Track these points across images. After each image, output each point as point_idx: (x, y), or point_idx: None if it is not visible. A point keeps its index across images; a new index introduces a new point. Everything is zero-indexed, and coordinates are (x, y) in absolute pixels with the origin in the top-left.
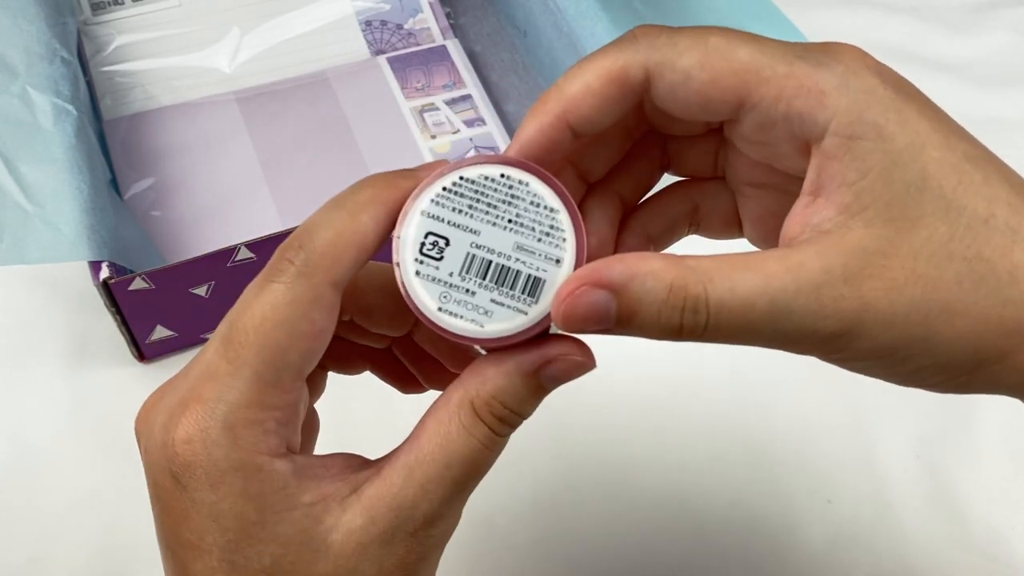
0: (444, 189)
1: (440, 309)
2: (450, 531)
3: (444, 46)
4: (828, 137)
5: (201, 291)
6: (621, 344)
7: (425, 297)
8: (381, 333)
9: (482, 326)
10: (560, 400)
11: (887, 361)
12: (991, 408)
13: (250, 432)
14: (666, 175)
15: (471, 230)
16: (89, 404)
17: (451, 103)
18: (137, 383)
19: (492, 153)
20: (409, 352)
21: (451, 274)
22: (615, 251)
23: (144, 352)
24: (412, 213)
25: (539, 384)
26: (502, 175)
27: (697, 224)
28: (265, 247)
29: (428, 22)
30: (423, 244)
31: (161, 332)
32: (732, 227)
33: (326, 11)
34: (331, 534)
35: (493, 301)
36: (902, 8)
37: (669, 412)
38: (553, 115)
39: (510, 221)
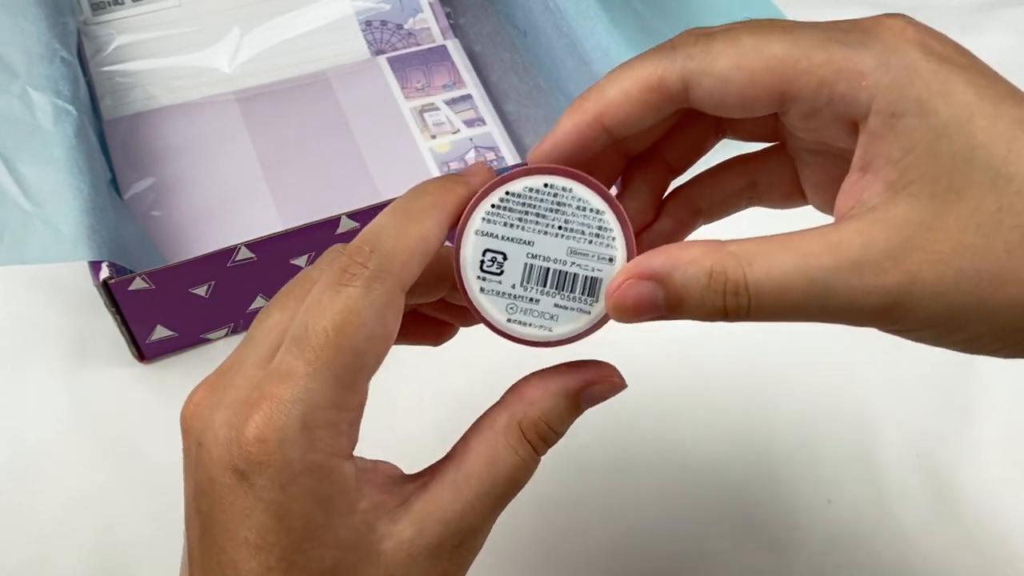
0: (493, 206)
1: (509, 320)
2: (484, 543)
3: (444, 46)
4: (872, 117)
5: (201, 291)
6: (621, 345)
7: (493, 311)
8: (421, 301)
9: (550, 330)
10: None
11: (942, 330)
12: (991, 408)
13: (326, 433)
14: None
15: (525, 241)
16: (89, 404)
17: (451, 103)
18: (137, 383)
19: (534, 165)
20: (441, 303)
21: (513, 286)
22: (656, 219)
23: (144, 352)
24: (467, 233)
25: (578, 404)
26: (546, 184)
27: (757, 197)
28: (265, 247)
29: (428, 22)
30: (482, 262)
31: (161, 332)
32: (795, 197)
33: (326, 11)
34: (383, 543)
35: (556, 305)
36: (902, 8)
37: (669, 412)
38: (591, 115)
39: (560, 228)
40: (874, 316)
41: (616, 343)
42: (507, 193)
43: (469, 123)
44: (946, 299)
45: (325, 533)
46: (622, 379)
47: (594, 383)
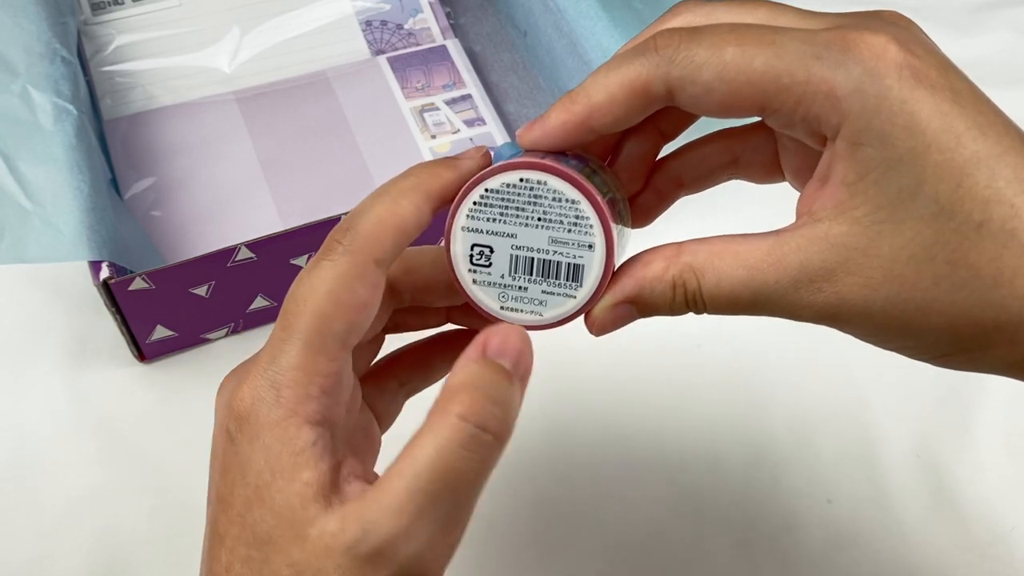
0: (475, 203)
1: (503, 308)
2: (428, 560)
3: (444, 46)
4: (838, 140)
5: (201, 291)
6: (620, 344)
7: (487, 300)
8: (442, 305)
9: (541, 315)
10: (560, 400)
11: (874, 340)
12: (991, 408)
13: (293, 393)
14: None
15: (509, 234)
16: (89, 404)
17: (451, 103)
18: (137, 383)
19: (508, 161)
20: (471, 314)
21: (503, 276)
22: (644, 189)
23: (144, 352)
24: (454, 230)
25: (487, 358)
26: (521, 179)
27: (739, 172)
28: (265, 247)
29: (428, 22)
30: (471, 256)
31: (161, 332)
32: (775, 174)
33: (326, 11)
34: (310, 526)
35: (544, 292)
36: (902, 8)
37: (669, 412)
38: (579, 117)
39: (539, 219)
40: (815, 322)
41: (615, 344)
42: (486, 190)
43: (469, 123)
44: (873, 320)
45: (267, 495)
46: (515, 327)
47: (488, 341)
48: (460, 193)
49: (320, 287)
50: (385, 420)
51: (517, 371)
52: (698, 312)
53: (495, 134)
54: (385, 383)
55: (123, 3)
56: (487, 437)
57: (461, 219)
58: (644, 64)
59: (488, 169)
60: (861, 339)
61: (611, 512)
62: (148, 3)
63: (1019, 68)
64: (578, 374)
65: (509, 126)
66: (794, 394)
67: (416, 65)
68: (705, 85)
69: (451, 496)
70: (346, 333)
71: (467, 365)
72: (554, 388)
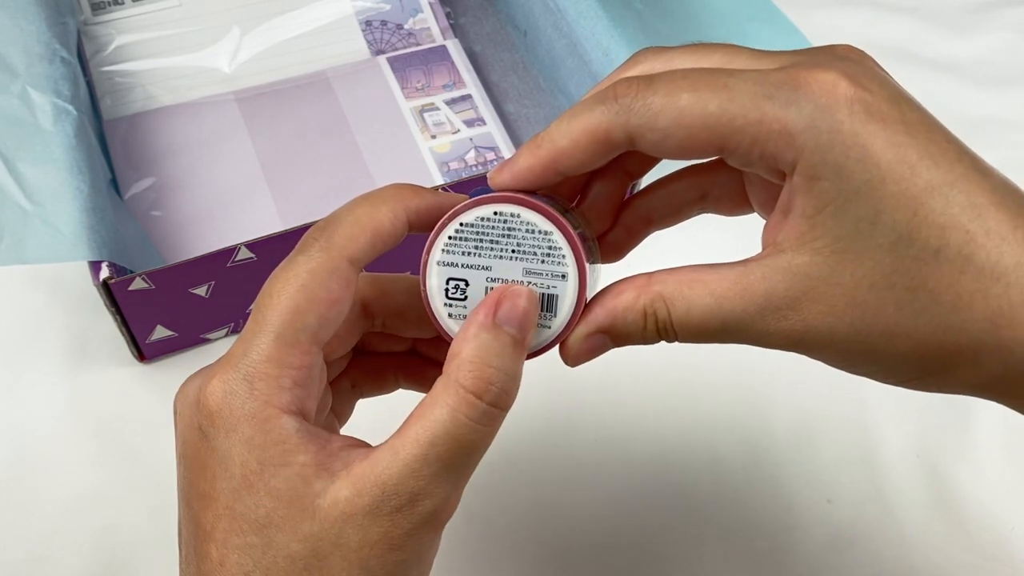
0: (450, 238)
1: None
2: (442, 510)
3: (444, 46)
4: (796, 175)
5: (201, 291)
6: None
7: None
8: (414, 336)
9: None
10: (559, 400)
11: (841, 366)
12: (991, 408)
13: (266, 385)
14: None
15: (483, 267)
16: (89, 404)
17: (451, 103)
18: (137, 383)
19: (482, 196)
20: (438, 347)
21: None
22: (614, 227)
23: (144, 352)
24: (430, 265)
25: (497, 327)
26: (495, 213)
27: (708, 207)
28: (265, 247)
29: (428, 22)
30: (447, 290)
31: (161, 332)
32: (744, 207)
33: (326, 11)
34: (318, 498)
35: None
36: (902, 8)
37: (669, 412)
38: (545, 160)
39: (513, 251)
40: (783, 349)
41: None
42: (461, 224)
43: (469, 123)
44: (838, 347)
45: (258, 481)
46: (524, 288)
47: (500, 303)
48: (435, 228)
49: (294, 281)
50: (340, 419)
51: (522, 334)
52: (669, 340)
53: (495, 134)
54: (339, 383)
55: (123, 3)
56: (496, 411)
57: (436, 254)
58: (604, 112)
59: (463, 204)
60: (829, 364)
61: (611, 512)
62: (148, 3)
63: (1019, 68)
64: (577, 374)
65: (509, 126)
66: (794, 394)
67: (416, 65)
68: (663, 131)
69: (463, 461)
70: (317, 327)
71: (478, 333)
72: (554, 388)
